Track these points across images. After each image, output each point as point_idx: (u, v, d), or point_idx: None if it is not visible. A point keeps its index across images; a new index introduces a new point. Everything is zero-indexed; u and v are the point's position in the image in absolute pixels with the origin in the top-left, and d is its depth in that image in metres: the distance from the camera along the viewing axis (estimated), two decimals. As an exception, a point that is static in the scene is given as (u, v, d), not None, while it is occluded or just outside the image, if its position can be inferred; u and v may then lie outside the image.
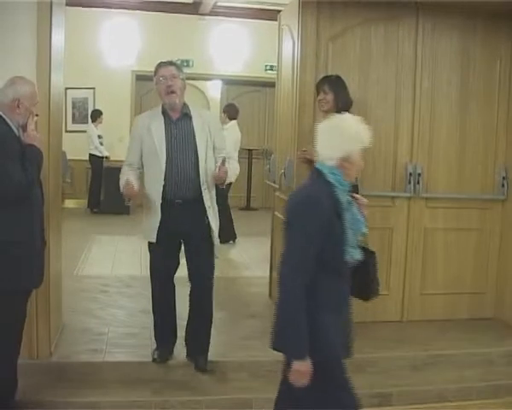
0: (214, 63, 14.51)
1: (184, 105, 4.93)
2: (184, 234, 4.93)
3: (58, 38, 5.10)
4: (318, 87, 5.59)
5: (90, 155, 13.42)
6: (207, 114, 5.27)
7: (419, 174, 6.18)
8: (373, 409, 4.97)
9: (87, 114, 13.85)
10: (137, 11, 13.80)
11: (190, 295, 5.10)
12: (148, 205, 4.92)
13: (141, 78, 14.15)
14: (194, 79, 15.18)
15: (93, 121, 13.50)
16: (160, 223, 4.82)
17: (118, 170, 13.81)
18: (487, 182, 6.47)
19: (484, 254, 6.52)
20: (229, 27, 14.36)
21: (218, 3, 13.62)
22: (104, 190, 13.43)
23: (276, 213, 6.84)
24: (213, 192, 4.96)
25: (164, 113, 4.89)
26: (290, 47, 6.21)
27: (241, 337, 5.81)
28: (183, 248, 5.07)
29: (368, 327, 6.05)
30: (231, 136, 9.96)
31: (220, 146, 4.99)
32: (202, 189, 4.81)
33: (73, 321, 5.95)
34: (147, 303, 6.47)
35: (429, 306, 6.41)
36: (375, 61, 6.12)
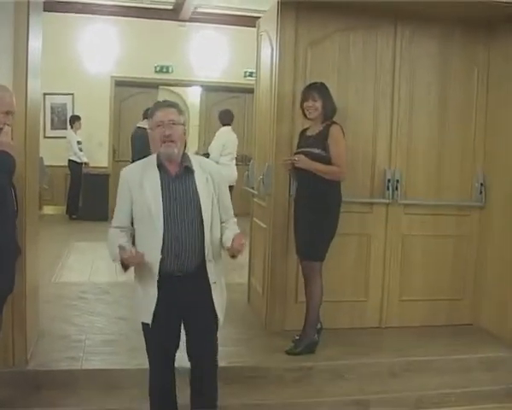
0: (194, 69, 14.51)
1: (184, 156, 4.05)
2: (185, 311, 4.03)
3: (35, 43, 5.07)
4: (306, 94, 5.57)
5: (69, 160, 13.38)
6: (209, 164, 4.30)
7: (397, 181, 6.20)
8: (351, 416, 5.00)
9: (66, 120, 13.80)
10: (117, 17, 13.76)
11: (190, 376, 4.24)
12: (140, 278, 4.02)
13: (120, 83, 14.16)
14: (173, 85, 15.21)
15: (71, 127, 13.45)
16: (157, 302, 3.93)
17: (97, 176, 13.94)
18: (465, 189, 6.50)
19: (462, 261, 6.55)
20: (209, 34, 14.38)
21: (198, 10, 13.63)
22: (83, 197, 13.40)
23: (255, 219, 6.84)
24: (220, 264, 4.13)
25: (160, 166, 3.98)
26: (269, 54, 6.21)
27: (219, 344, 5.78)
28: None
29: (346, 333, 6.08)
30: (218, 140, 10.25)
31: (228, 205, 4.21)
32: (207, 260, 3.96)
33: (51, 328, 5.90)
34: (124, 310, 6.50)
35: (407, 312, 6.42)
36: (353, 68, 6.13)
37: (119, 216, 4.07)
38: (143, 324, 4.07)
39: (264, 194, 6.24)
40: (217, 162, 8.95)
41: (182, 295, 3.96)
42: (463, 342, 6.11)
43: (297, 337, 5.64)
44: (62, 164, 13.29)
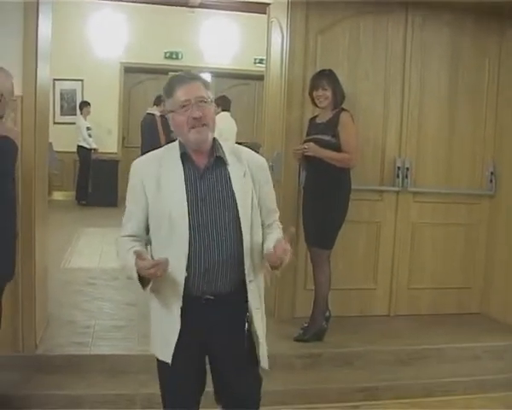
0: (204, 56, 14.47)
1: (215, 143, 3.08)
2: (214, 345, 3.10)
3: (45, 28, 5.05)
4: (316, 83, 5.54)
5: (79, 146, 13.40)
6: (247, 154, 3.23)
7: (407, 168, 6.18)
8: (359, 403, 4.99)
9: (75, 106, 13.82)
10: (126, 3, 13.72)
11: None
12: (157, 302, 3.08)
13: (129, 70, 14.16)
14: (183, 71, 15.12)
15: (81, 113, 13.45)
16: (180, 335, 2.98)
17: (105, 162, 13.93)
18: (475, 177, 6.48)
19: (471, 250, 6.54)
20: (219, 20, 14.33)
21: (208, -4, 13.60)
22: (92, 183, 13.42)
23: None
24: (262, 284, 3.21)
25: (184, 157, 3.03)
26: (279, 40, 6.18)
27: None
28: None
29: (355, 321, 6.08)
30: (220, 126, 9.94)
31: (271, 205, 3.26)
32: (247, 280, 3.04)
33: (60, 314, 5.92)
34: (133, 296, 6.49)
35: (416, 300, 6.42)
36: (363, 55, 6.10)
37: (130, 224, 3.08)
38: (159, 361, 3.12)
39: (273, 181, 6.21)
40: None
41: (212, 325, 3.03)
42: (472, 330, 6.10)
43: (305, 325, 5.64)
44: (71, 150, 13.31)
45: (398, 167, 6.17)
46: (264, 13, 6.94)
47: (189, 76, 3.06)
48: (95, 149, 13.58)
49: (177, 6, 13.89)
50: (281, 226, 3.28)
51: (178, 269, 2.92)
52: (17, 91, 4.27)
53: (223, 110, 10.37)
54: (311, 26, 5.94)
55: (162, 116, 10.79)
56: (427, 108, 6.28)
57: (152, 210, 3.01)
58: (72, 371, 4.91)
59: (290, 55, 5.91)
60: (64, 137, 12.60)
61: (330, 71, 5.57)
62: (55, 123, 13.04)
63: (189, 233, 2.93)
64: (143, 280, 2.87)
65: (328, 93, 5.47)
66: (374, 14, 6.08)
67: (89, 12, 13.70)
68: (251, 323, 3.08)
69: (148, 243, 3.10)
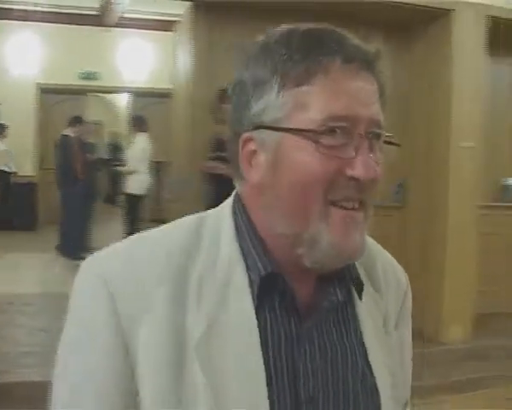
0: (121, 75, 14.37)
1: None
2: None
3: None
4: (224, 97, 5.55)
5: (-2, 171, 13.12)
6: (381, 257, 1.28)
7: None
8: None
9: (-10, 130, 13.51)
10: (41, 23, 13.54)
11: None
12: None
13: (46, 91, 13.92)
14: (100, 91, 15.07)
15: (-2, 136, 13.19)
16: None
17: (23, 185, 13.53)
18: (384, 189, 6.57)
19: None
20: (135, 39, 14.25)
21: (124, 15, 13.53)
22: (11, 207, 13.16)
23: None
24: None
25: (268, 282, 1.02)
26: (184, 59, 6.18)
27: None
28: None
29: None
30: (137, 147, 9.58)
31: (408, 376, 1.30)
32: None
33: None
34: (47, 321, 6.39)
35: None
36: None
37: None
38: None
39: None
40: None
41: None
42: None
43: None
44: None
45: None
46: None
47: (365, 50, 1.09)
48: (15, 173, 13.34)
49: (92, 25, 13.80)
50: None
51: None
52: None
53: (140, 131, 9.82)
54: (215, 43, 5.96)
55: (77, 138, 10.28)
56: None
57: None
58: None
59: (195, 74, 5.91)
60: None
61: None
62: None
63: None
64: None
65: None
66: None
67: (3, 33, 13.48)
68: None
69: None
